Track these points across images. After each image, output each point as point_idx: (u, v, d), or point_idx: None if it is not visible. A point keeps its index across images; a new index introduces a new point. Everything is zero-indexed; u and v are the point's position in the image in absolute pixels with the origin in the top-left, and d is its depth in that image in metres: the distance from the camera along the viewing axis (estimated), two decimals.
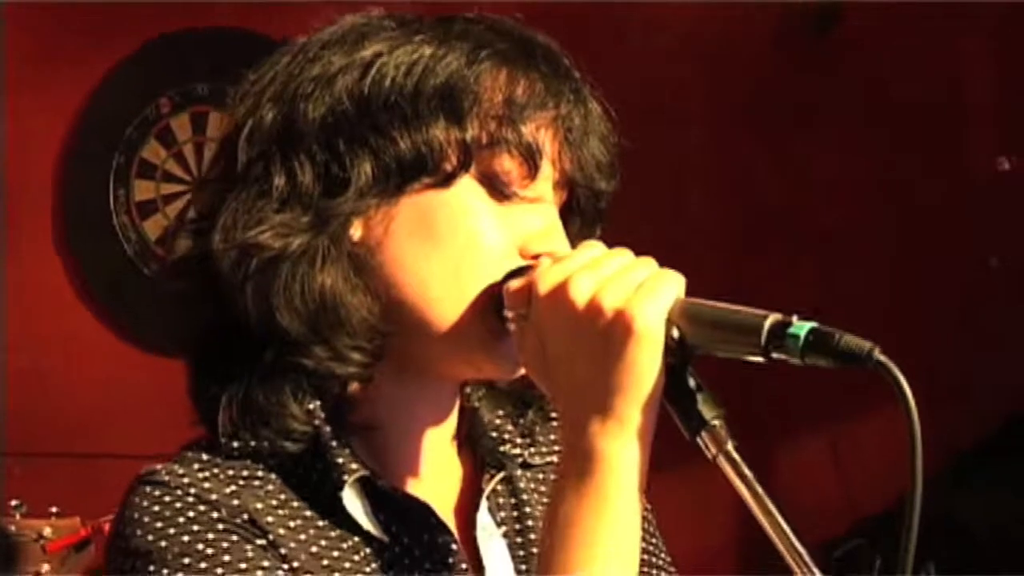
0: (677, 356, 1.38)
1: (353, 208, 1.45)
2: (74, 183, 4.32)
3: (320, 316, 1.44)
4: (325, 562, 1.44)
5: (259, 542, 1.42)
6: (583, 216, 1.55)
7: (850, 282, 3.92)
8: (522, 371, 1.48)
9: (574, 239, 1.53)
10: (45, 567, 3.11)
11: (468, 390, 1.60)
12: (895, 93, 3.94)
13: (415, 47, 1.47)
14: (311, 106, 1.46)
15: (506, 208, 1.48)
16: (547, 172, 1.49)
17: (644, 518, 1.61)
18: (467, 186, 1.47)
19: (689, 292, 1.40)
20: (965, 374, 3.73)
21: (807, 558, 1.36)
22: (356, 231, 1.47)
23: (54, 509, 3.15)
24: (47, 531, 3.13)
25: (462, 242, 1.46)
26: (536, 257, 1.47)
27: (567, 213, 1.54)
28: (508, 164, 1.47)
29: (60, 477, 3.82)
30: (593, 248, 1.44)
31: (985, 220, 3.90)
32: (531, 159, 1.47)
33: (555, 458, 1.60)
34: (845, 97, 3.97)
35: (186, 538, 1.41)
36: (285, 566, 1.42)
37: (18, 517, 3.15)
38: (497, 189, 1.48)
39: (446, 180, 1.46)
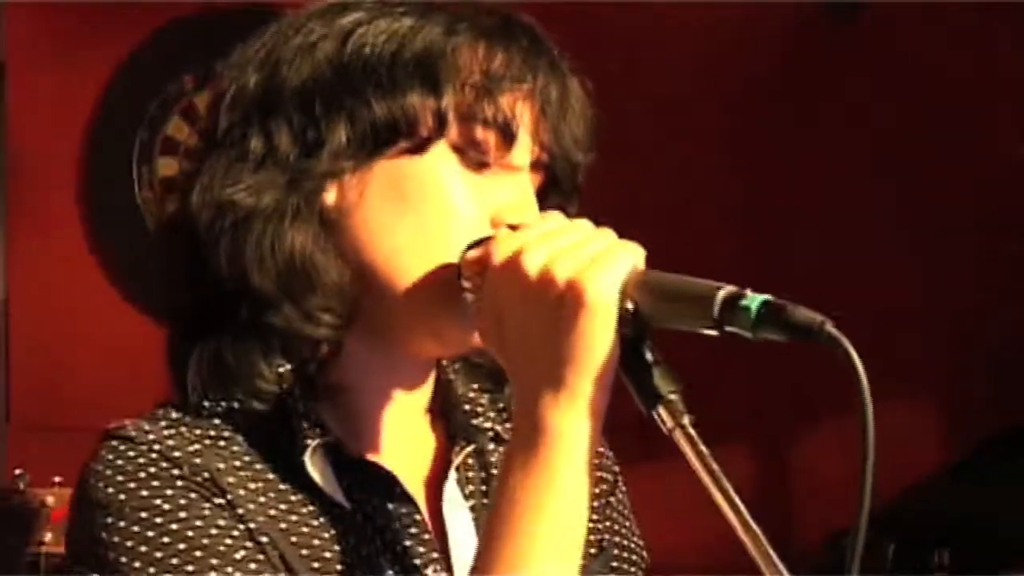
0: (633, 328, 1.36)
1: (327, 169, 1.47)
2: (98, 159, 4.34)
3: (290, 275, 1.46)
4: (283, 525, 1.45)
5: (217, 501, 1.43)
6: (561, 190, 1.55)
7: (871, 268, 3.88)
8: (478, 340, 1.47)
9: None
10: (48, 536, 3.12)
11: (444, 362, 1.59)
12: (918, 77, 3.90)
13: (395, 18, 1.49)
14: (292, 72, 1.48)
15: (480, 178, 1.48)
16: (524, 143, 1.49)
17: (618, 500, 1.63)
18: (441, 154, 1.47)
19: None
20: (992, 358, 3.69)
21: (763, 538, 1.33)
22: (331, 195, 1.48)
23: (57, 479, 3.16)
24: (50, 500, 3.15)
25: (433, 210, 1.47)
26: (510, 227, 1.47)
27: (546, 188, 1.54)
28: (483, 134, 1.47)
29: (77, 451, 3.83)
30: (551, 219, 1.43)
31: (1009, 207, 3.84)
32: (507, 130, 1.47)
33: None
34: (868, 83, 3.93)
35: (144, 492, 1.42)
36: (242, 526, 1.43)
37: (22, 486, 3.16)
38: (472, 159, 1.48)
39: (420, 147, 1.47)
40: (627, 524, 1.63)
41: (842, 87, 3.95)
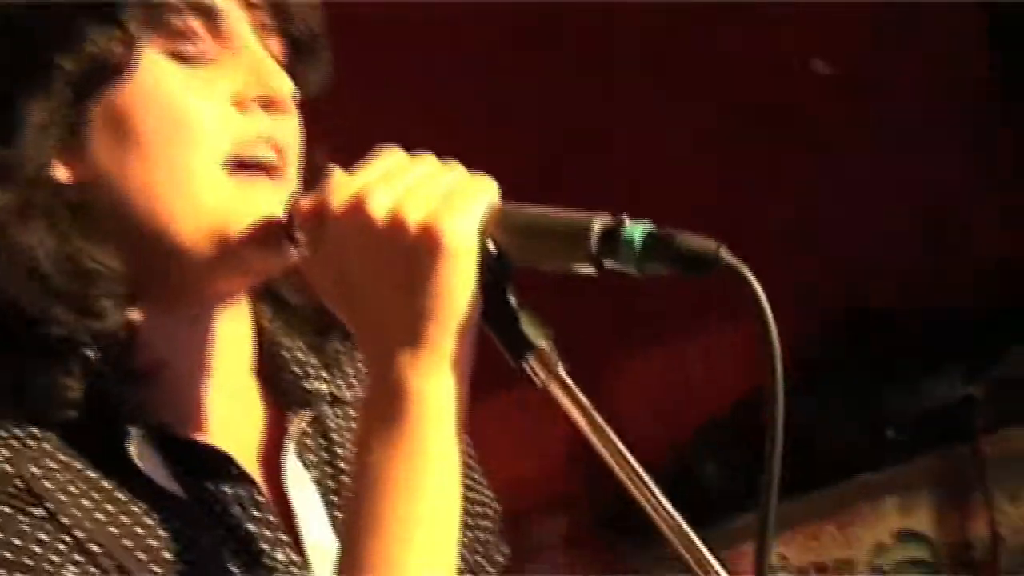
0: (495, 272, 1.24)
1: (38, 147, 1.31)
2: None
3: (48, 277, 1.30)
4: (114, 528, 1.29)
5: (36, 512, 1.27)
6: (304, 47, 1.41)
7: (674, 175, 3.80)
8: (293, 257, 1.33)
9: (307, 78, 1.40)
10: None
11: (265, 322, 1.44)
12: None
13: None
14: None
15: (207, 69, 1.34)
16: (233, 13, 1.35)
17: (464, 451, 1.49)
18: (151, 67, 1.33)
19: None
20: (799, 276, 3.64)
21: (648, 480, 1.22)
22: (61, 173, 1.33)
23: None
24: None
25: (166, 127, 1.32)
26: (261, 102, 1.33)
27: (293, 55, 1.40)
28: (184, 24, 1.33)
29: None
30: (391, 155, 1.29)
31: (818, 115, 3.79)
32: (203, 7, 1.33)
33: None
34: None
35: None
36: (68, 537, 1.27)
37: None
38: (186, 54, 1.34)
39: (121, 75, 1.31)
40: (475, 476, 1.51)
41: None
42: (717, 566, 1.19)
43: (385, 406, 1.25)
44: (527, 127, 3.68)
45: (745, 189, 3.76)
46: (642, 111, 3.79)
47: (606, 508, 3.45)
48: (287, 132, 1.35)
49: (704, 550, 1.19)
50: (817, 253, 3.70)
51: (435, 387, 1.23)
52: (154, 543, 1.30)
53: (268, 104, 1.34)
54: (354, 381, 1.48)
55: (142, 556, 1.29)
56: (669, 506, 1.21)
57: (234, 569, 1.33)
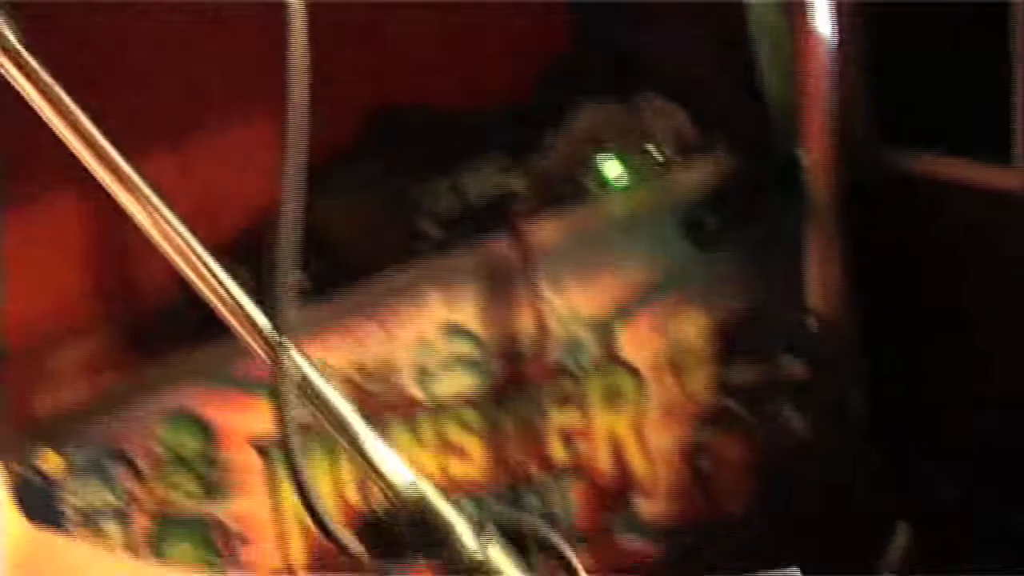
0: None
1: None
2: None
3: None
4: None
5: None
6: None
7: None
8: None
9: None
10: None
11: None
12: None
13: None
14: None
15: None
16: None
17: None
18: None
19: None
20: (333, 72, 3.41)
21: (180, 228, 1.13)
22: None
23: None
24: None
25: None
26: None
27: None
28: None
29: None
30: None
31: None
32: None
33: None
34: None
35: None
36: None
37: None
38: None
39: None
40: None
41: None
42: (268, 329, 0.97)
43: None
44: None
45: None
46: None
47: (133, 329, 3.21)
48: None
49: (259, 315, 0.97)
50: (351, 49, 3.49)
51: None
52: None
53: None
54: None
55: None
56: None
57: None
